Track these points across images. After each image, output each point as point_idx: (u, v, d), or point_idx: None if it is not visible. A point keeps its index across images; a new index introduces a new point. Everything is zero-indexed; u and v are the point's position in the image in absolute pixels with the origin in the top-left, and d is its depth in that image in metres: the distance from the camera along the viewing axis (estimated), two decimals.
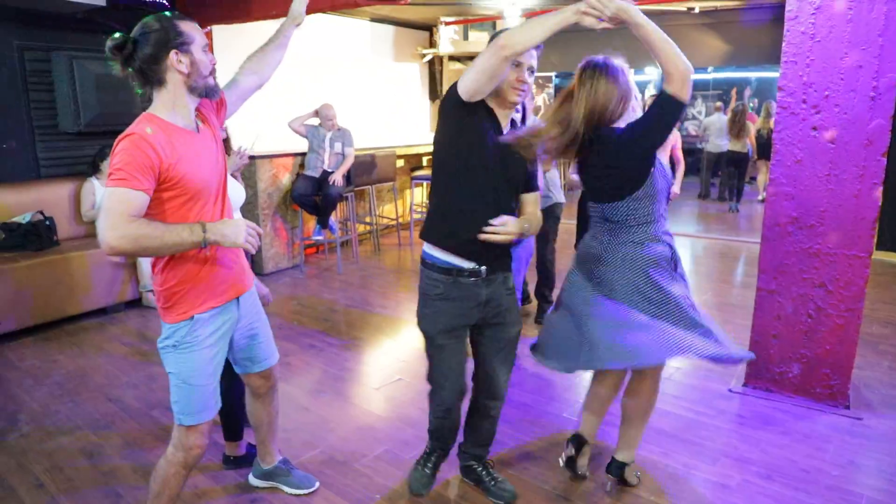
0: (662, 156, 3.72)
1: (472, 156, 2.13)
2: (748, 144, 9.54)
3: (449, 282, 2.24)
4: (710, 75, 13.81)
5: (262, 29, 6.21)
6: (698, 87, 14.07)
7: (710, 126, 10.32)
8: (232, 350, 2.26)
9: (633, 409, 2.54)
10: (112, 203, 1.75)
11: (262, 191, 5.95)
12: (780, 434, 3.09)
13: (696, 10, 6.85)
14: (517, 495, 2.59)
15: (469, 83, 2.01)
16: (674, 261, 2.32)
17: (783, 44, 3.15)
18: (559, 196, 4.39)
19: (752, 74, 13.47)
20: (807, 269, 3.26)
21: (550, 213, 4.21)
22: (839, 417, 3.24)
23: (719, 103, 11.13)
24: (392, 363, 4.06)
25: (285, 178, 6.21)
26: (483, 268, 2.23)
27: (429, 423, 2.61)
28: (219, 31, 5.86)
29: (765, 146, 9.28)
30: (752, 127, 9.68)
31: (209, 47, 2.02)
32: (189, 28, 1.92)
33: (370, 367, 4.06)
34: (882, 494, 2.62)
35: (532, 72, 2.17)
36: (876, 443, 3.02)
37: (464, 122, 2.11)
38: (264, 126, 4.68)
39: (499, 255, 2.26)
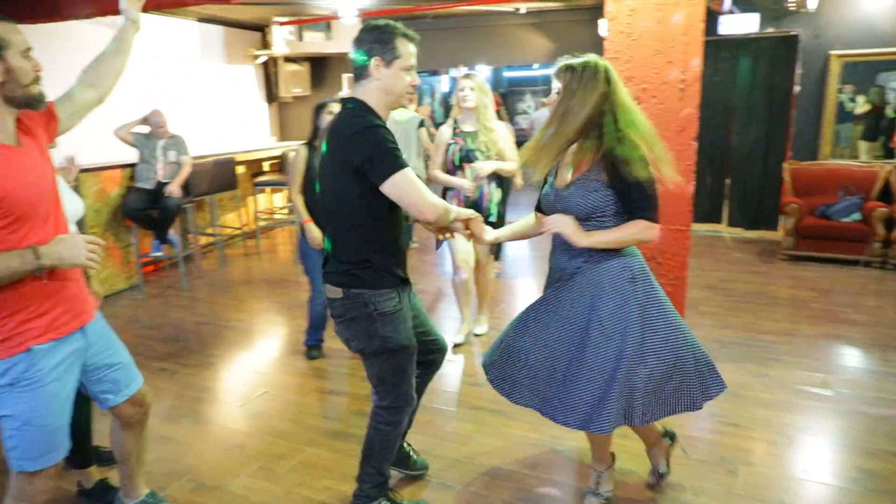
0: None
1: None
2: None
3: (401, 293, 2.22)
4: (538, 72, 14.71)
5: (71, 30, 5.69)
6: (526, 83, 14.97)
7: (538, 120, 11.06)
8: (86, 386, 2.05)
9: None
10: None
11: (89, 207, 5.40)
12: None
13: (523, 11, 7.27)
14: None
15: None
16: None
17: (604, 42, 3.46)
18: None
19: None
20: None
21: None
22: None
23: (544, 99, 11.93)
24: (254, 377, 3.90)
25: (114, 192, 5.69)
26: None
27: (386, 456, 2.38)
28: (26, 31, 5.22)
29: None
30: None
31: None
32: (3, 31, 1.70)
33: (231, 384, 3.87)
34: (714, 434, 3.02)
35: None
36: None
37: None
38: (86, 135, 4.25)
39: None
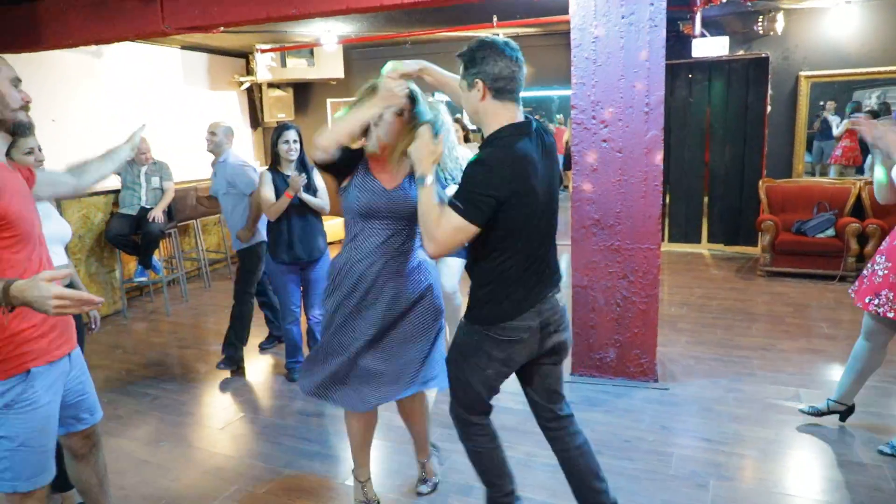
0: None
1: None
2: None
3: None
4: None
5: (55, 59, 5.77)
6: None
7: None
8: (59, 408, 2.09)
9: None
10: None
11: (73, 233, 5.42)
12: (605, 413, 3.46)
13: (500, 36, 7.44)
14: None
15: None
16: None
17: (572, 68, 3.57)
18: None
19: (555, 93, 14.78)
20: (611, 263, 3.69)
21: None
22: (651, 391, 3.70)
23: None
24: (235, 400, 3.92)
25: (97, 219, 5.73)
26: None
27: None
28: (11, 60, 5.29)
29: (570, 157, 10.27)
30: (563, 138, 10.80)
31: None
32: None
33: (212, 407, 3.88)
34: (687, 449, 3.06)
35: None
36: (681, 407, 3.49)
37: None
38: (70, 162, 4.31)
39: None
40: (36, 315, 1.82)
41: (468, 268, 2.14)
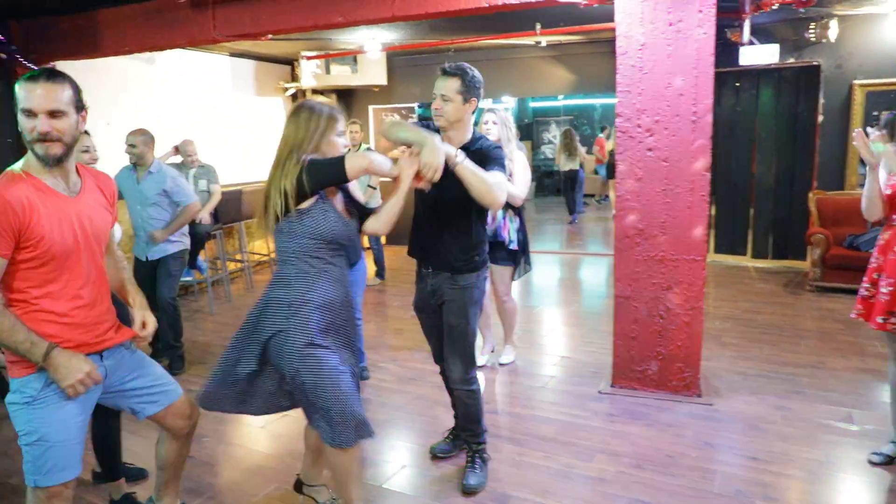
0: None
1: None
2: (579, 162, 10.88)
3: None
4: (561, 102, 14.84)
5: (110, 65, 5.98)
6: (551, 113, 15.09)
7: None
8: (117, 404, 2.18)
9: None
10: None
11: (124, 232, 5.60)
12: (646, 426, 3.39)
13: (543, 44, 7.40)
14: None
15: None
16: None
17: (617, 75, 3.53)
18: None
19: (598, 101, 14.66)
20: (654, 274, 3.63)
21: None
22: (693, 405, 3.61)
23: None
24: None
25: None
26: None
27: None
28: (63, 66, 5.50)
29: (613, 167, 10.17)
30: (586, 148, 11.10)
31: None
32: (18, 89, 1.84)
33: None
34: (732, 468, 2.97)
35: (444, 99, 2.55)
36: (725, 424, 3.40)
37: None
38: (121, 163, 4.47)
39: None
40: (59, 319, 1.90)
41: (463, 232, 2.64)
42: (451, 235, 2.64)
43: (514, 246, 3.97)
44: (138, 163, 4.30)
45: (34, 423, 1.88)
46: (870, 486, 2.84)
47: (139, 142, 4.22)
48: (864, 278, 2.91)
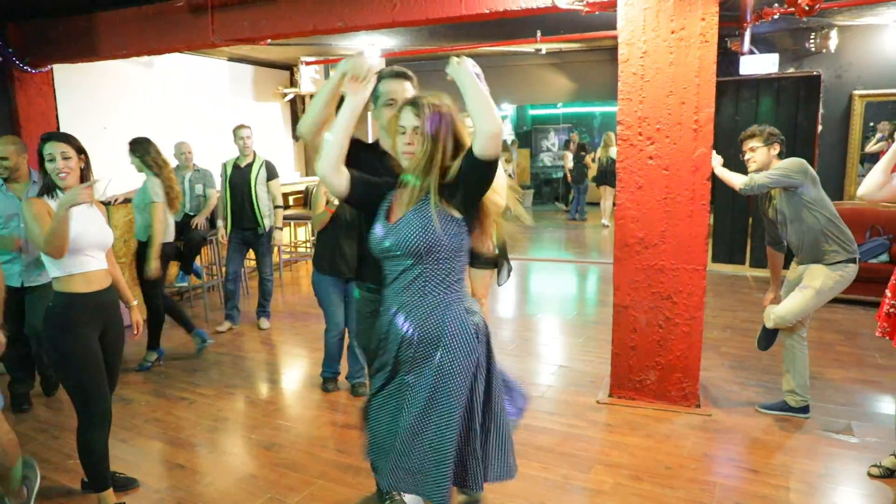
0: None
1: None
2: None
3: None
4: (560, 110, 14.85)
5: (109, 69, 5.95)
6: (550, 121, 15.10)
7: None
8: None
9: None
10: None
11: (119, 238, 5.56)
12: (645, 437, 3.35)
13: (543, 52, 7.41)
14: None
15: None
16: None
17: (618, 83, 3.51)
18: None
19: (598, 109, 14.66)
20: (654, 283, 3.60)
21: None
22: (692, 416, 3.57)
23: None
24: (269, 409, 3.93)
25: None
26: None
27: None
28: (60, 69, 5.48)
29: (604, 174, 10.19)
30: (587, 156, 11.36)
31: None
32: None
33: (246, 415, 3.90)
34: (731, 479, 2.94)
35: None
36: (723, 435, 3.37)
37: None
38: (117, 168, 4.43)
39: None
40: None
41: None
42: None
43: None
44: (13, 177, 3.75)
45: None
46: (870, 499, 2.80)
47: (11, 153, 3.69)
48: (888, 293, 2.86)
